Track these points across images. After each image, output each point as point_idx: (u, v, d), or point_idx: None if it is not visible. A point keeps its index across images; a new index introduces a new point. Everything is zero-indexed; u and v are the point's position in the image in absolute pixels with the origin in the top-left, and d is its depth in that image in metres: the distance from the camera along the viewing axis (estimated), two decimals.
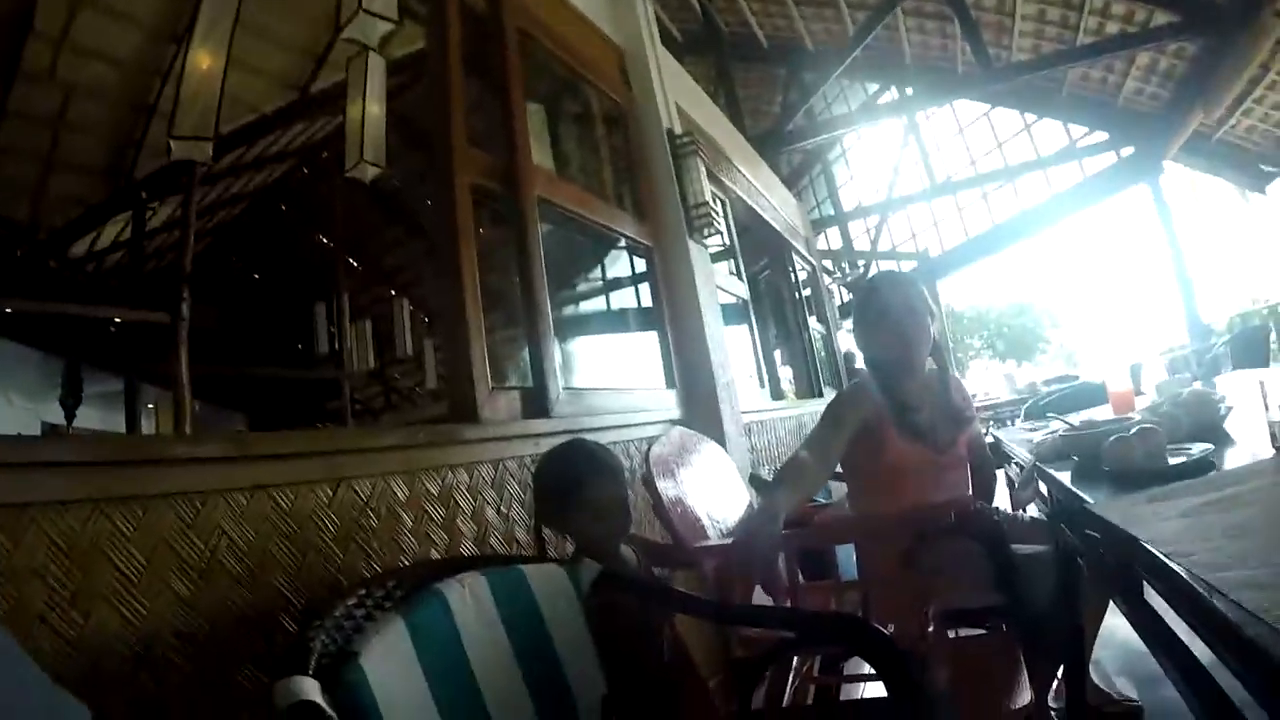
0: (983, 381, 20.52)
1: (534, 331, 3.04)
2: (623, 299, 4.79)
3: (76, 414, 8.43)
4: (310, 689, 1.21)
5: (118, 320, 7.13)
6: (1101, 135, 12.46)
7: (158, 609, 1.44)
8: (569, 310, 4.84)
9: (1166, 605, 1.48)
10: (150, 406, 9.20)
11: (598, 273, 4.77)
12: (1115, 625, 2.91)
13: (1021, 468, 3.42)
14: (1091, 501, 1.83)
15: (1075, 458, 2.44)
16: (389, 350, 8.74)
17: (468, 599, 1.62)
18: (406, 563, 2.00)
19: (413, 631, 1.46)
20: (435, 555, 2.11)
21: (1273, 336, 9.04)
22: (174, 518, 1.50)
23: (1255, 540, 1.27)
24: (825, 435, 2.59)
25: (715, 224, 4.48)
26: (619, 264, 4.64)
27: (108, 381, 8.83)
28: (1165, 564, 1.25)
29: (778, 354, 7.93)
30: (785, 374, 7.94)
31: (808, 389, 7.87)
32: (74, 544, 1.34)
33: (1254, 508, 1.46)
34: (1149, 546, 1.34)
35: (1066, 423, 3.27)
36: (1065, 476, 2.29)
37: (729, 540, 2.35)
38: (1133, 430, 2.06)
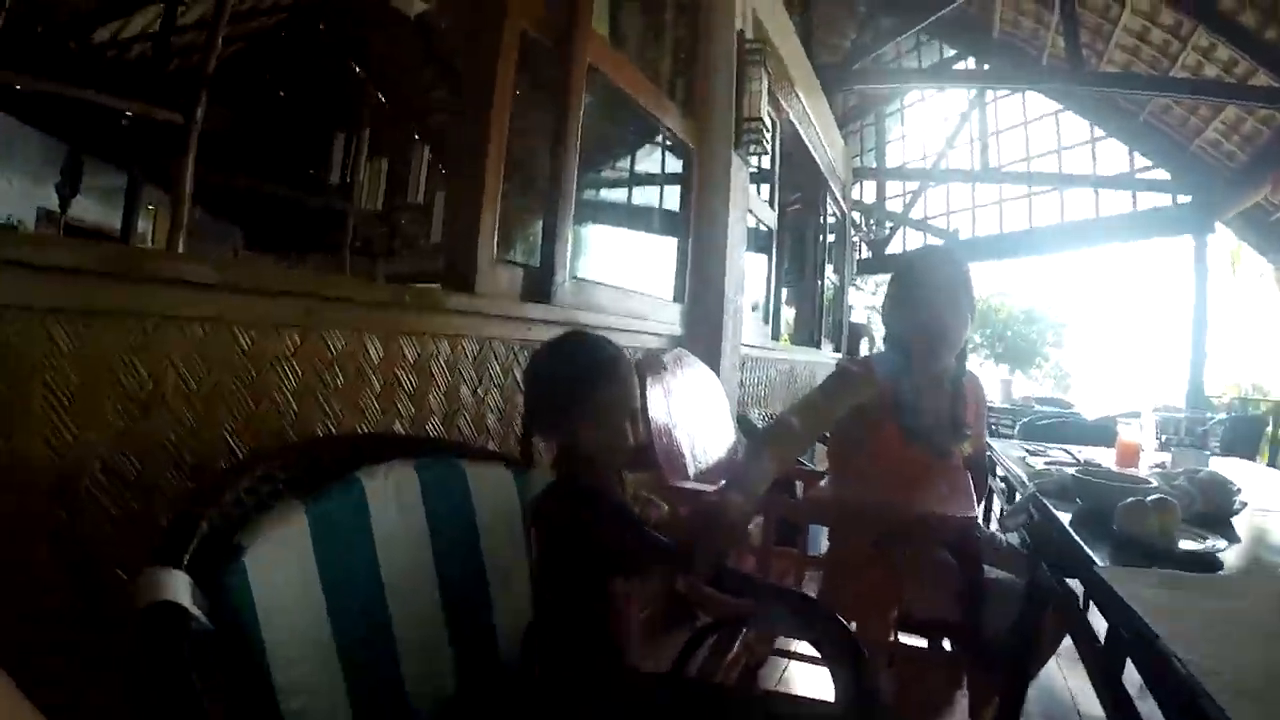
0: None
1: (553, 209, 2.80)
2: (648, 197, 4.59)
3: (72, 204, 8.28)
4: (179, 586, 1.01)
5: (129, 113, 6.87)
6: (1163, 174, 12.11)
7: (87, 440, 1.29)
8: (590, 195, 4.63)
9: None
10: (150, 208, 8.95)
11: (627, 164, 4.57)
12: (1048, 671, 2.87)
13: (1009, 485, 3.30)
14: (1101, 565, 1.71)
15: (1079, 501, 2.30)
16: (401, 194, 8.57)
17: (389, 492, 1.43)
18: (368, 429, 1.84)
19: (315, 524, 1.26)
20: (399, 427, 1.95)
21: (1268, 431, 9.27)
22: (119, 340, 1.32)
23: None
24: (823, 404, 2.41)
25: (765, 143, 4.29)
26: (652, 160, 4.44)
27: (113, 175, 8.59)
28: (1183, 674, 1.13)
29: (785, 293, 7.73)
30: (787, 314, 7.83)
31: (806, 337, 7.80)
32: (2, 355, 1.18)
33: (1266, 627, 1.36)
34: (1173, 650, 1.21)
35: (1075, 459, 3.15)
36: (1066, 518, 2.16)
37: (706, 490, 2.22)
38: (1150, 499, 1.93)
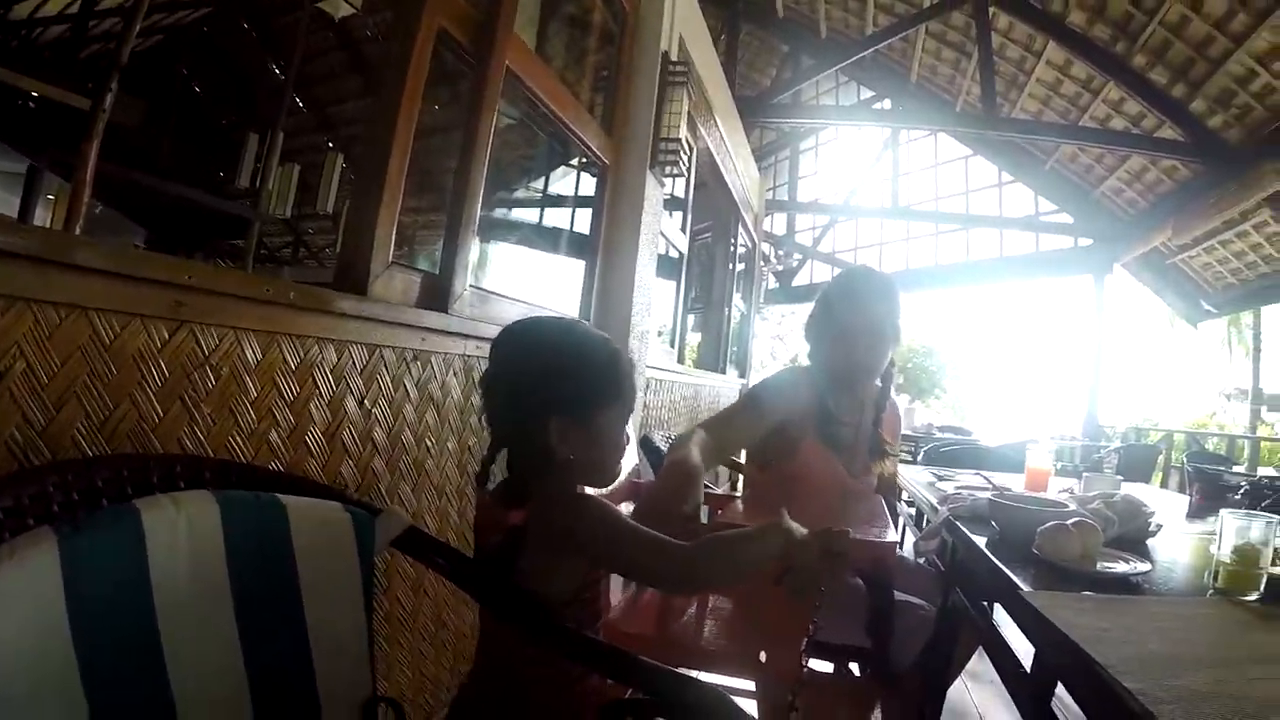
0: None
1: (457, 213, 2.68)
2: (562, 216, 4.54)
3: None
4: None
5: (35, 95, 6.62)
6: (1066, 218, 12.77)
7: None
8: (502, 212, 4.57)
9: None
10: (50, 198, 8.61)
11: (542, 180, 4.52)
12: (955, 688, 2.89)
13: (917, 510, 3.30)
14: (1026, 590, 1.69)
15: (995, 525, 2.28)
16: (310, 202, 8.40)
17: (178, 528, 1.16)
18: (240, 440, 1.68)
19: (68, 560, 1.01)
20: (275, 437, 1.78)
21: (1160, 459, 9.74)
22: None
23: (1207, 680, 1.19)
24: (741, 418, 2.40)
25: (682, 164, 4.26)
26: (568, 179, 4.39)
27: (13, 160, 8.29)
28: (1128, 700, 1.12)
29: (691, 319, 7.83)
30: (694, 340, 7.97)
31: (712, 362, 7.84)
32: None
33: (1195, 645, 1.39)
34: (1117, 678, 1.19)
35: (990, 484, 3.16)
36: (982, 542, 2.15)
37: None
38: (1071, 521, 1.94)
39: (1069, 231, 12.87)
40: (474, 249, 2.77)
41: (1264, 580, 1.72)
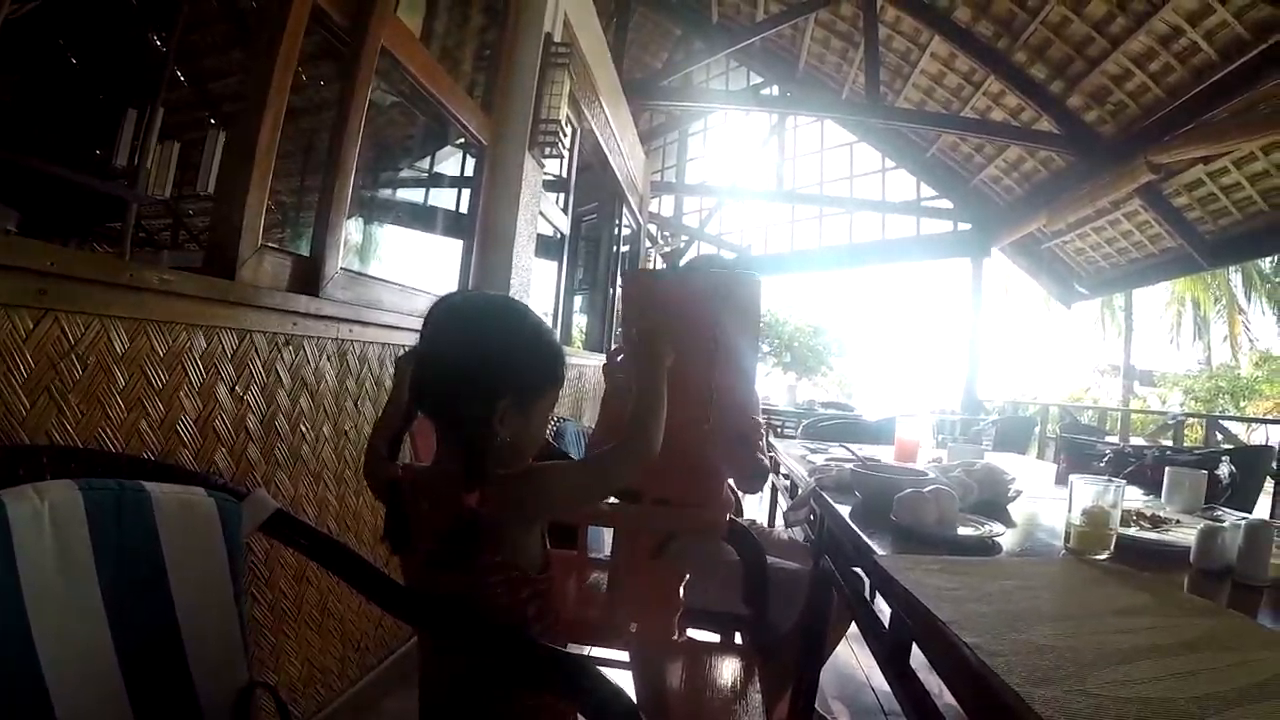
0: (766, 387, 21.10)
1: (328, 194, 2.66)
2: (441, 197, 4.51)
3: None
4: None
5: None
6: (946, 204, 13.33)
7: None
8: (379, 193, 4.52)
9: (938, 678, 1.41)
10: None
11: (417, 161, 4.48)
12: (839, 652, 2.97)
13: (792, 483, 3.38)
14: (881, 554, 1.76)
15: (859, 495, 2.38)
16: (190, 183, 8.12)
17: (43, 517, 1.17)
18: (109, 430, 1.65)
19: None
20: (145, 426, 1.75)
21: (1036, 431, 10.23)
22: None
23: (1050, 635, 1.24)
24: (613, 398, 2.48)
25: (560, 147, 4.28)
26: (445, 160, 4.36)
27: None
28: (966, 654, 1.17)
29: (579, 300, 7.93)
30: (581, 322, 8.04)
31: (598, 344, 7.88)
32: None
33: (1041, 600, 1.47)
34: (960, 636, 1.24)
35: (854, 455, 3.25)
36: (845, 511, 2.24)
37: None
38: (928, 489, 2.01)
39: (949, 217, 13.39)
40: (348, 230, 2.74)
41: (1113, 540, 1.83)
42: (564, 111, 4.31)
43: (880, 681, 3.34)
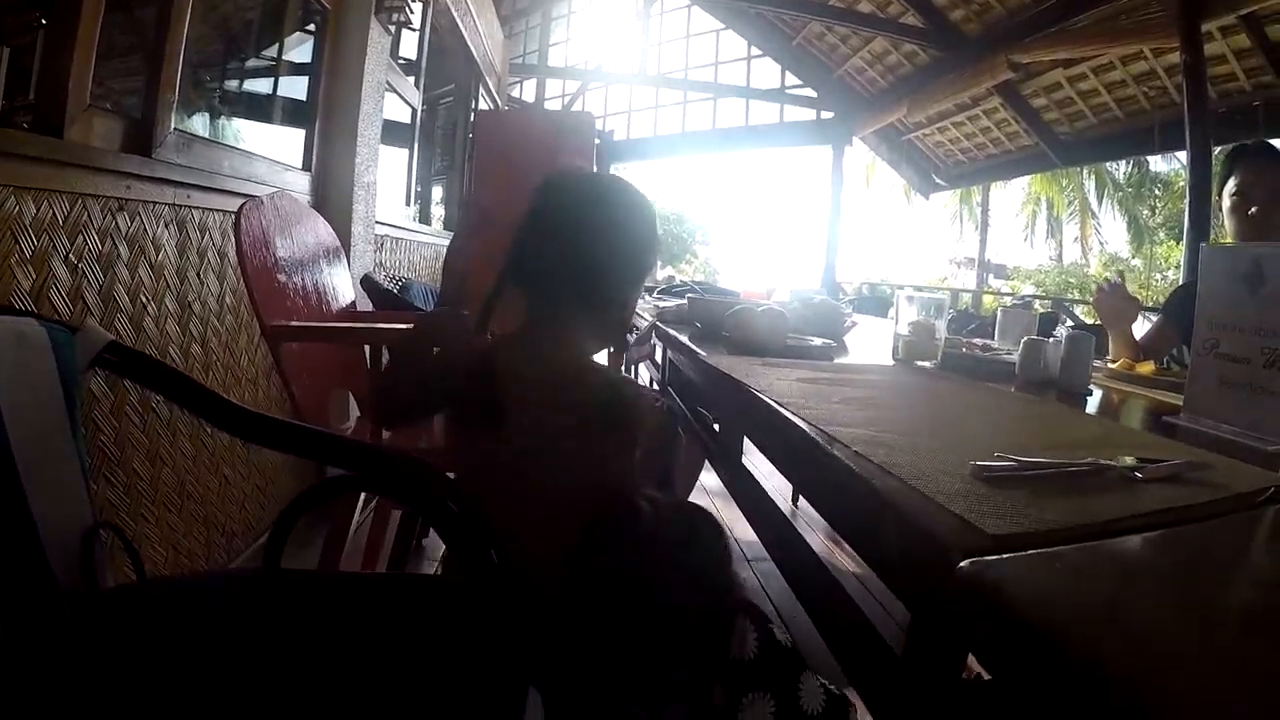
0: None
1: (159, 49, 2.52)
2: (286, 87, 4.38)
3: None
4: None
5: None
6: (810, 93, 13.62)
7: None
8: (218, 59, 4.38)
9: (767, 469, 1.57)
10: None
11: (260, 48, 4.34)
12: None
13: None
14: (704, 354, 1.89)
15: (698, 324, 2.51)
16: (24, 92, 7.64)
17: None
18: None
19: None
20: None
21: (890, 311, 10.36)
22: None
23: (879, 413, 1.32)
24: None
25: (408, 13, 4.18)
26: (293, 51, 4.23)
27: None
28: (780, 415, 1.27)
29: (441, 186, 7.84)
30: (441, 211, 7.91)
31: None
32: None
33: (874, 391, 1.57)
34: (764, 396, 1.38)
35: (697, 293, 3.35)
36: (684, 335, 2.34)
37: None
38: (760, 308, 2.16)
39: (812, 105, 13.67)
40: (178, 86, 2.61)
41: (939, 350, 2.00)
42: None
43: (744, 531, 3.46)
